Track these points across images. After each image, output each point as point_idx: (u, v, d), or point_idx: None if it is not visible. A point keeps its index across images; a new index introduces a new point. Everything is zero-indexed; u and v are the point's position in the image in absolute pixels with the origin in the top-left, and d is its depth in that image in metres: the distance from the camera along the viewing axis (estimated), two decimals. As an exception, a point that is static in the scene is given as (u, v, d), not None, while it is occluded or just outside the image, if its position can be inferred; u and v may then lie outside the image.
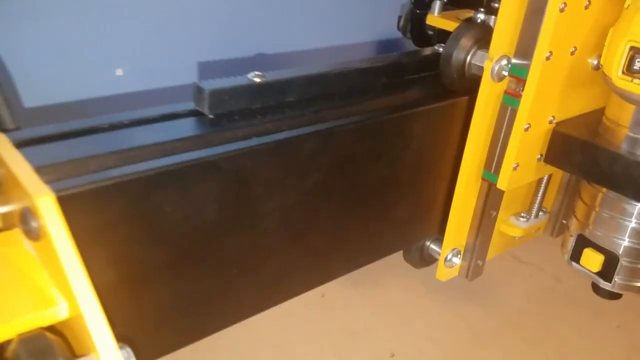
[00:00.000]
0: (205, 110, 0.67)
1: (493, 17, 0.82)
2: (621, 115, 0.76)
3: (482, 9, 0.84)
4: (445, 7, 0.97)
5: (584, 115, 0.82)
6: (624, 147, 0.75)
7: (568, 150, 0.78)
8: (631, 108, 0.74)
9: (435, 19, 0.97)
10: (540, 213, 0.95)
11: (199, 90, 0.67)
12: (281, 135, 0.69)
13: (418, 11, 0.98)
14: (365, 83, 0.81)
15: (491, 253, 0.94)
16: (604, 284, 0.82)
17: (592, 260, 0.82)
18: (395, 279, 1.11)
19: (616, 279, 0.81)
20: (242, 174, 0.66)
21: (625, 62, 0.70)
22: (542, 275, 1.18)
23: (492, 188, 0.84)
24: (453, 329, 1.02)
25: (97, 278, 0.45)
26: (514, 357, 0.98)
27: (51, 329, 0.46)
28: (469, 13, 0.94)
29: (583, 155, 0.77)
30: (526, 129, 0.76)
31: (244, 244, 0.70)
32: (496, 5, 0.78)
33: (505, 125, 0.78)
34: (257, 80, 0.70)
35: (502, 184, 0.80)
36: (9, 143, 0.52)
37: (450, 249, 0.91)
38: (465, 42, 0.79)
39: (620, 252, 0.80)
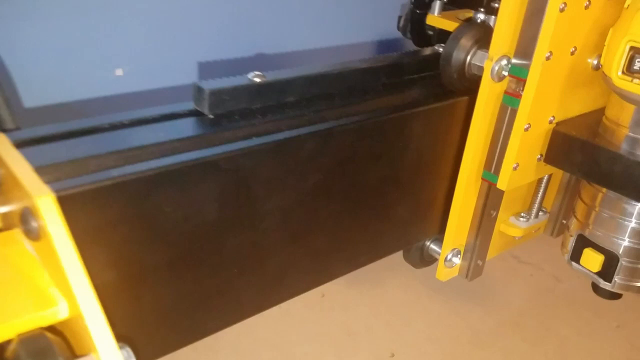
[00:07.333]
0: (205, 110, 0.67)
1: (493, 17, 0.82)
2: (621, 115, 0.76)
3: (482, 9, 0.84)
4: (445, 7, 0.97)
5: (584, 115, 0.82)
6: (624, 147, 0.75)
7: (568, 150, 0.78)
8: (631, 108, 0.74)
9: (435, 19, 0.97)
10: (540, 213, 0.95)
11: (199, 90, 0.67)
12: (281, 135, 0.68)
13: (418, 11, 0.98)
14: (365, 83, 0.81)
15: (491, 253, 0.94)
16: (604, 284, 0.82)
17: (592, 260, 0.82)
18: (395, 279, 1.11)
19: (616, 279, 0.81)
20: (242, 174, 0.66)
21: (625, 62, 0.70)
22: (542, 275, 1.18)
23: (492, 188, 0.84)
24: (453, 329, 1.02)
25: (97, 278, 0.45)
26: (514, 357, 0.98)
27: (51, 329, 0.46)
28: (469, 13, 0.95)
29: (583, 155, 0.77)
30: (526, 129, 0.76)
31: (244, 244, 0.70)
32: (496, 5, 0.78)
33: (505, 125, 0.78)
34: (257, 80, 0.70)
35: (502, 184, 0.80)
36: (9, 143, 0.52)
37: (450, 249, 0.91)
38: (465, 42, 0.79)
39: (620, 252, 0.80)
